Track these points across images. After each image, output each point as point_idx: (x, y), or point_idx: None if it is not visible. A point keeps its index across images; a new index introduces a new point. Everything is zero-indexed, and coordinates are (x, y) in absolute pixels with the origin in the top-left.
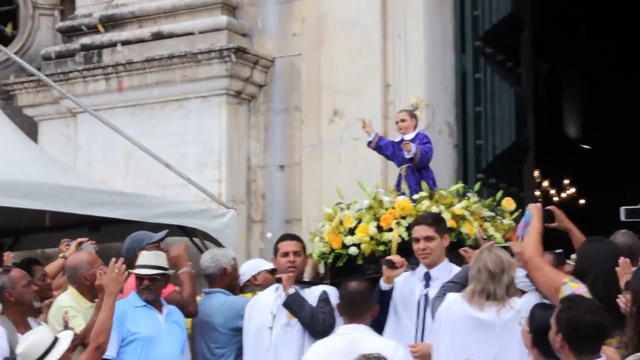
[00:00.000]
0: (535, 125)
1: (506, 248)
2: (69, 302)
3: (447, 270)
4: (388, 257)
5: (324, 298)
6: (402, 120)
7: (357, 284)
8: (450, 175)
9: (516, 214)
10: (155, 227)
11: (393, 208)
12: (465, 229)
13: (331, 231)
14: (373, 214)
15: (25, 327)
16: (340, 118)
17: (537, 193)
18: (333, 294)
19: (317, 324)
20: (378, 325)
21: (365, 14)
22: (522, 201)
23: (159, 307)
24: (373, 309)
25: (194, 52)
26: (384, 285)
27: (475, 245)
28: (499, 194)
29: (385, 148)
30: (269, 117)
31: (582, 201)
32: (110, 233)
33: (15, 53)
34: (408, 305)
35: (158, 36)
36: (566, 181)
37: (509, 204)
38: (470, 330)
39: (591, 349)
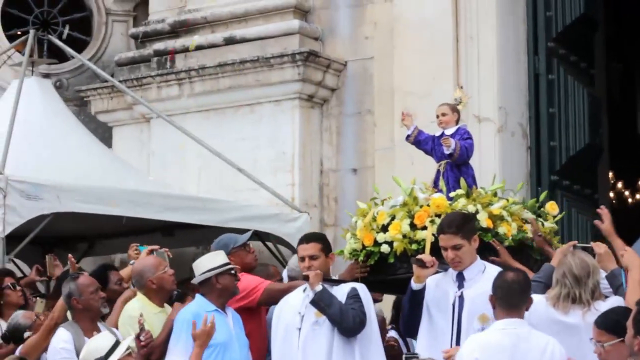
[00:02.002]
0: (609, 126)
1: (587, 249)
2: (138, 309)
3: (480, 269)
4: (418, 256)
5: (353, 295)
6: (443, 114)
7: (514, 275)
8: (524, 177)
9: (559, 217)
10: (229, 232)
11: (428, 205)
12: (502, 229)
13: (363, 227)
14: (407, 211)
15: (95, 333)
16: (413, 120)
17: (612, 194)
18: (362, 290)
19: (346, 321)
20: (411, 328)
21: (437, 16)
22: (596, 203)
23: (225, 311)
24: (529, 301)
25: (267, 56)
26: (414, 285)
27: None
28: (543, 195)
29: (424, 143)
30: (342, 121)
31: None
32: (183, 238)
33: (89, 59)
34: (442, 308)
35: (230, 41)
36: None
37: (552, 207)
38: (555, 334)
39: None
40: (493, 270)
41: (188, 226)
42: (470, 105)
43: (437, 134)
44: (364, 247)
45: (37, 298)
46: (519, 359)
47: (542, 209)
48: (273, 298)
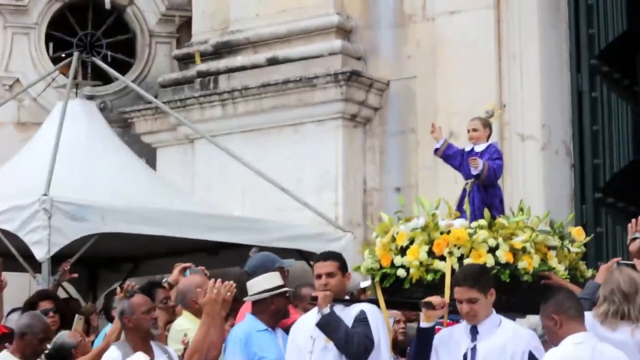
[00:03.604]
0: None
1: (632, 267)
2: (185, 324)
3: (495, 324)
4: (427, 299)
5: (361, 318)
6: (474, 130)
7: (567, 290)
8: (568, 195)
9: (586, 239)
10: (273, 252)
11: (448, 233)
12: (523, 263)
13: (382, 247)
14: (427, 236)
15: (145, 352)
16: (456, 139)
17: None
18: (372, 313)
19: (351, 346)
20: None
21: (479, 35)
22: None
23: (274, 331)
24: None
25: (309, 76)
26: (422, 323)
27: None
28: (570, 216)
29: (453, 157)
30: (385, 140)
31: None
32: (228, 258)
33: (133, 81)
34: (452, 358)
35: (273, 61)
36: None
37: (578, 233)
38: None
39: None
40: (509, 324)
41: (233, 246)
42: (514, 123)
43: (468, 149)
44: (380, 266)
45: (76, 315)
46: None
47: (568, 232)
48: None
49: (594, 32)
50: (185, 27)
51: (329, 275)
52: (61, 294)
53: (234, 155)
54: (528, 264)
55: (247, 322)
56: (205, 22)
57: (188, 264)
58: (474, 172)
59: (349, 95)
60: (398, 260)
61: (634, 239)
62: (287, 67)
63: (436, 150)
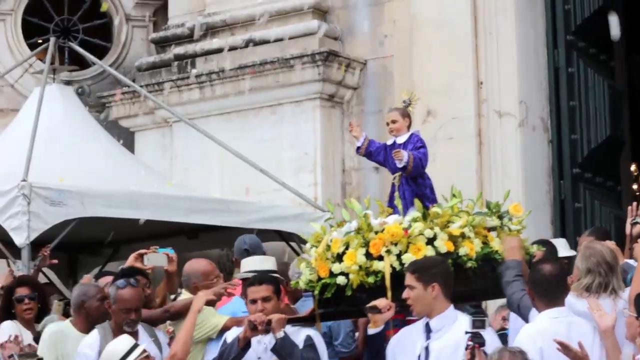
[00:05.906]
0: (631, 118)
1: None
2: None
3: (451, 320)
4: (372, 303)
5: (309, 344)
6: (393, 122)
7: (552, 267)
8: (546, 171)
9: (525, 215)
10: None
11: (382, 232)
12: (464, 249)
13: (318, 257)
14: (362, 238)
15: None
16: (434, 117)
17: (635, 187)
18: (318, 339)
19: None
20: None
21: (455, 13)
22: (619, 195)
23: None
24: (567, 289)
25: (286, 57)
26: (370, 330)
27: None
28: (506, 193)
29: (376, 154)
30: (363, 119)
31: None
32: (207, 240)
33: (110, 65)
34: (408, 358)
35: (250, 43)
36: None
37: (517, 210)
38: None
39: None
40: (465, 321)
41: (212, 228)
42: (491, 100)
43: (390, 142)
44: (319, 278)
45: (55, 301)
46: (575, 345)
47: (506, 211)
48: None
49: (570, 8)
50: (161, 10)
51: (265, 299)
52: (41, 279)
53: (212, 138)
54: (470, 249)
55: (233, 303)
56: (181, 5)
57: (144, 250)
58: (400, 164)
59: (326, 75)
60: (336, 267)
61: (635, 223)
62: (264, 49)
63: (358, 149)
